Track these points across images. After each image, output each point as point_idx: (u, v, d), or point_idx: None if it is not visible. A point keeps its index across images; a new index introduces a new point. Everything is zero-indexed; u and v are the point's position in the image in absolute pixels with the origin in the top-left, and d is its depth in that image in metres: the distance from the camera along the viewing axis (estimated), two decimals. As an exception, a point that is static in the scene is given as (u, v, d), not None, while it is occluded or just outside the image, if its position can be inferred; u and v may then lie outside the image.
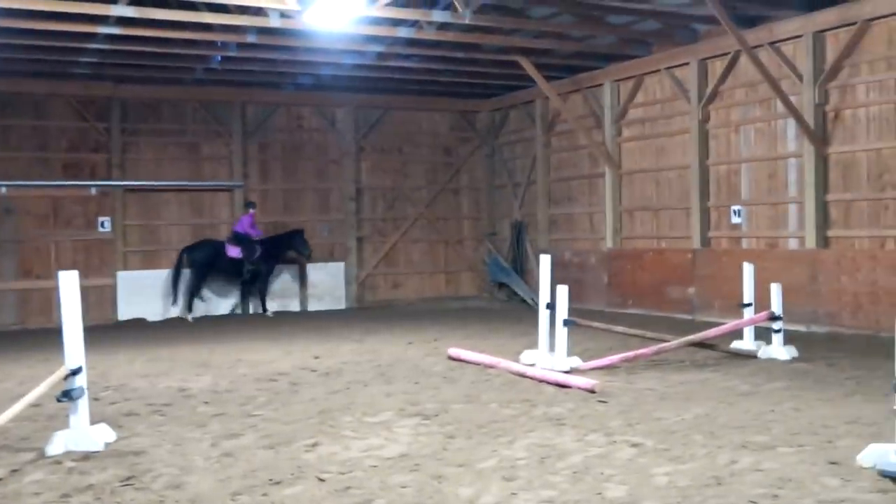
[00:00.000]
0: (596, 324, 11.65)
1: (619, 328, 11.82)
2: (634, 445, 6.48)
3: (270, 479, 5.80)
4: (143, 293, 17.88)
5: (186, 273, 17.84)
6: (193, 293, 17.82)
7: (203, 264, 17.71)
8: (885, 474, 5.47)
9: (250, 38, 14.53)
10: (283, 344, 13.21)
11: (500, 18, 14.48)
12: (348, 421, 7.58)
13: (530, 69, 16.87)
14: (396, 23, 14.30)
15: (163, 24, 13.54)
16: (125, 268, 18.13)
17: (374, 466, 6.07)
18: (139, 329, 16.36)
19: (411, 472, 5.91)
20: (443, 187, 21.68)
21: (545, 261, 10.65)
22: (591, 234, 18.90)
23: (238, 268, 17.93)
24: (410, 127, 21.42)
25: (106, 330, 15.77)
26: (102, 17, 12.85)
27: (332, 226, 20.40)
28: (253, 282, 18.28)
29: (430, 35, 14.61)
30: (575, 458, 6.16)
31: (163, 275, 18.10)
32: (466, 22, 13.97)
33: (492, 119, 22.05)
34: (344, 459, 6.28)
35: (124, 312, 17.74)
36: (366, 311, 19.16)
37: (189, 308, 17.75)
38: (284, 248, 18.41)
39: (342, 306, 19.90)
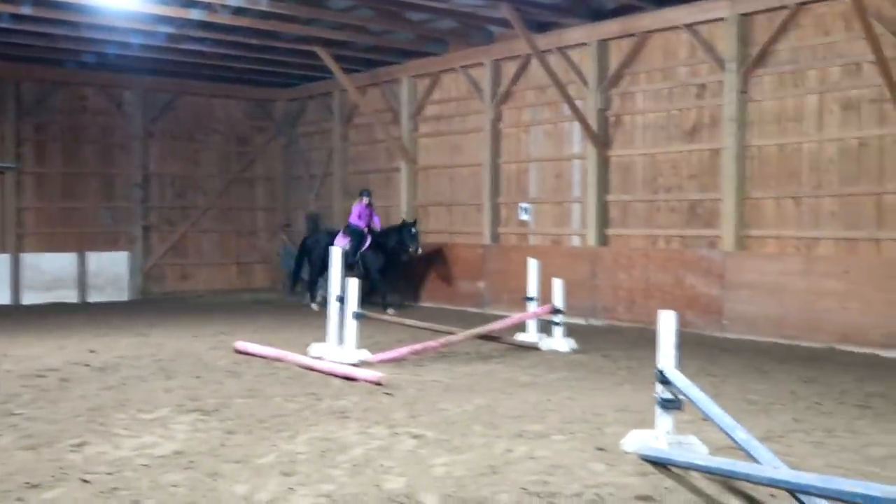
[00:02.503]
0: (386, 316, 11.69)
1: (410, 321, 11.93)
2: (416, 437, 6.52)
3: (27, 483, 5.37)
4: None
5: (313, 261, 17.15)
6: (311, 283, 17.28)
7: (313, 255, 17.04)
8: (645, 458, 5.80)
9: (25, 10, 13.47)
10: (56, 338, 12.35)
11: (298, 7, 14.24)
12: (121, 418, 7.16)
13: (329, 60, 16.72)
14: (188, 4, 13.73)
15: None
16: None
17: (146, 466, 5.76)
18: None
19: (185, 470, 5.65)
20: (237, 177, 21.13)
21: (337, 254, 10.57)
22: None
23: (346, 260, 16.53)
24: (204, 113, 20.70)
25: None
26: None
27: (116, 213, 19.36)
28: (367, 276, 16.46)
29: (224, 19, 14.16)
30: (356, 451, 6.12)
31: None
32: (263, 8, 13.65)
33: (289, 109, 21.69)
34: (113, 459, 5.92)
35: None
36: (151, 304, 18.31)
37: (312, 297, 17.03)
38: (392, 241, 16.51)
39: (125, 298, 18.93)
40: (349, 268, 16.22)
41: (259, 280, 21.39)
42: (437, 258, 17.20)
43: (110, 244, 19.13)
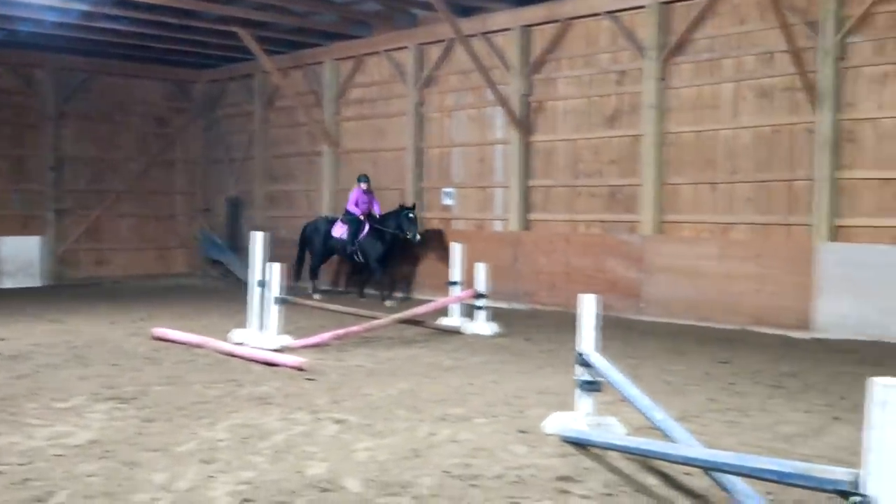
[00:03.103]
0: (309, 301, 11.60)
1: (333, 306, 11.87)
2: (339, 422, 6.50)
3: (-67, 476, 5.17)
4: None
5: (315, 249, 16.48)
6: (312, 271, 16.49)
7: (311, 243, 16.46)
8: (566, 440, 5.89)
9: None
10: (-37, 325, 11.91)
11: (217, -15, 13.95)
12: (33, 408, 6.94)
13: (250, 42, 16.44)
14: (103, -20, 13.32)
15: None
16: None
17: (60, 456, 5.60)
18: None
19: (101, 459, 5.52)
20: (155, 160, 20.64)
21: (258, 238, 10.42)
22: (310, 212, 18.80)
23: (343, 248, 15.85)
24: (120, 94, 20.15)
25: None
26: None
27: (28, 196, 18.73)
28: (367, 265, 15.71)
29: (140, -4, 13.78)
30: (278, 437, 6.06)
31: None
32: (181, -14, 13.33)
33: (209, 91, 21.27)
34: (24, 449, 5.74)
35: None
36: (66, 290, 17.78)
37: (314, 288, 16.15)
38: (390, 227, 15.30)
39: (38, 284, 18.36)
40: (348, 257, 15.97)
41: (178, 265, 20.98)
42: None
43: (21, 228, 18.50)
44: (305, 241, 16.59)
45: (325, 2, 15.60)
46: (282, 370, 8.60)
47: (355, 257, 15.64)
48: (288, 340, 9.92)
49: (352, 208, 15.61)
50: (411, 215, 15.09)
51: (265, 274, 10.05)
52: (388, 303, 14.76)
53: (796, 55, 11.19)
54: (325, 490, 4.91)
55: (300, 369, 8.51)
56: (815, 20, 11.44)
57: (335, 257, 16.71)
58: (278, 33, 17.05)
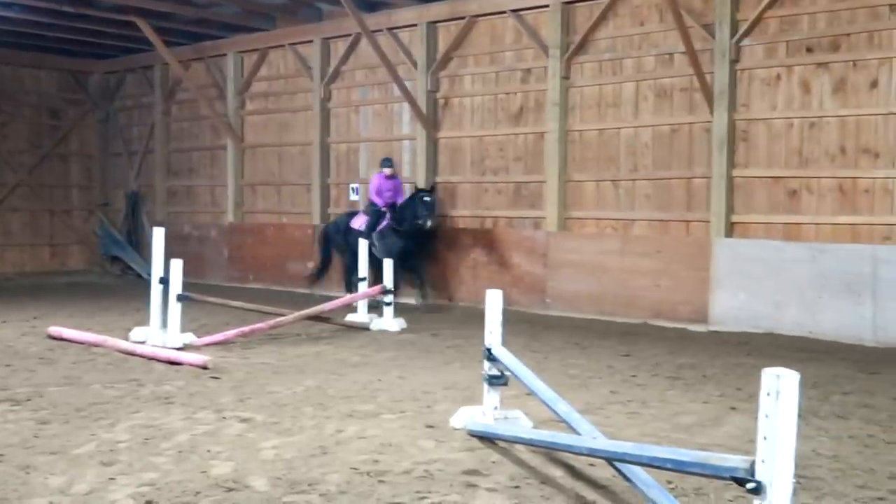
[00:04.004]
0: (212, 298, 11.38)
1: (237, 303, 11.66)
2: (244, 421, 6.41)
3: None
4: None
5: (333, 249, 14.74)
6: (346, 279, 14.27)
7: (333, 242, 14.54)
8: (473, 433, 5.95)
9: None
10: None
11: (115, -27, 13.54)
12: (-82, 412, 6.63)
13: (149, 32, 15.99)
14: (-8, -36, 12.77)
15: None
16: None
17: (-52, 461, 5.37)
18: None
19: (-7, 464, 5.31)
20: (49, 152, 19.90)
21: (158, 234, 10.17)
22: (213, 207, 18.50)
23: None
24: (11, 84, 19.39)
25: None
26: None
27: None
28: (406, 261, 13.55)
29: (33, -17, 13.26)
30: (181, 437, 5.94)
31: None
32: (76, -27, 12.88)
33: (106, 82, 20.63)
34: None
35: None
36: (-47, 288, 17.00)
37: (347, 288, 14.13)
38: (408, 216, 13.51)
39: (-79, 282, 17.52)
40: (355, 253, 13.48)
41: (75, 262, 20.29)
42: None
43: None
44: (328, 241, 14.69)
45: (229, -7, 15.32)
46: (185, 369, 8.42)
47: (374, 252, 13.41)
48: (191, 338, 9.73)
49: (374, 198, 13.88)
50: (427, 198, 13.42)
51: (166, 270, 9.82)
52: (420, 303, 13.48)
53: (693, 57, 11.54)
54: (230, 490, 4.84)
55: (204, 367, 8.35)
56: (711, 23, 11.82)
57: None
58: (179, 24, 16.64)
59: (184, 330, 9.79)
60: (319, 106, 16.35)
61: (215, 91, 18.14)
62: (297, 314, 10.90)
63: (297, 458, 5.46)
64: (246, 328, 10.17)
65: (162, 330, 9.81)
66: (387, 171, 13.90)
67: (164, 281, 9.83)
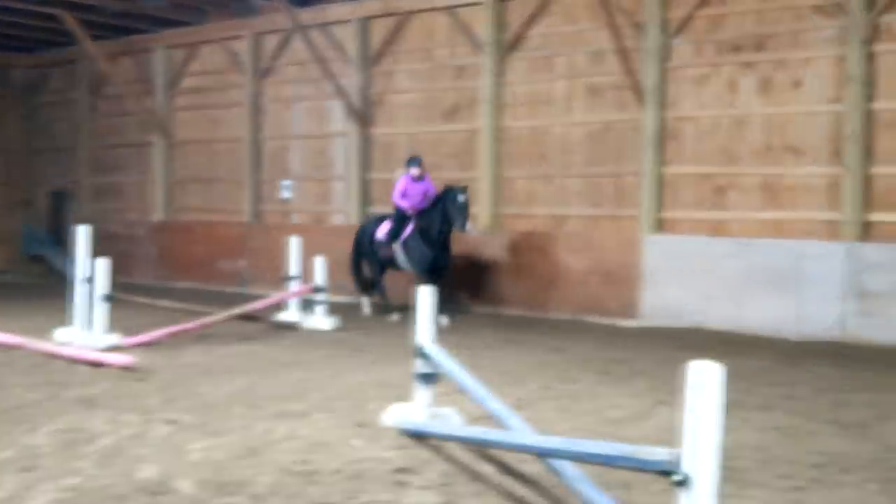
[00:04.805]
0: (139, 298, 11.15)
1: (165, 302, 11.45)
2: (171, 422, 6.27)
3: None
4: None
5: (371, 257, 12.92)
6: (374, 282, 12.90)
7: (361, 247, 12.89)
8: (405, 431, 5.92)
9: None
10: None
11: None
12: None
13: (73, 25, 15.59)
14: None
15: None
16: None
17: None
18: None
19: None
20: (-32, 148, 19.26)
21: (84, 232, 9.91)
22: (141, 204, 18.12)
23: (380, 252, 12.50)
24: (-73, 77, 18.68)
25: None
26: None
27: None
28: (438, 275, 11.79)
29: (-51, -28, 12.80)
30: (105, 440, 5.78)
31: None
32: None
33: (29, 76, 20.03)
34: None
35: None
36: None
37: (371, 304, 12.80)
38: (437, 221, 11.72)
39: None
40: (387, 262, 12.47)
41: (-4, 261, 19.70)
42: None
43: None
44: (357, 245, 13.05)
45: (156, -14, 15.02)
46: (110, 370, 8.20)
47: (398, 264, 12.30)
48: (117, 339, 9.49)
49: (398, 201, 12.14)
50: (460, 198, 11.53)
51: (91, 270, 9.57)
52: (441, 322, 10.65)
53: (623, 55, 11.69)
54: (155, 493, 4.73)
55: (130, 369, 8.15)
56: (641, 22, 11.99)
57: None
58: (105, 17, 16.23)
59: (110, 330, 9.55)
60: (251, 102, 16.15)
61: (143, 86, 17.77)
62: (227, 313, 10.74)
63: (226, 459, 5.36)
64: (174, 328, 9.97)
65: (87, 331, 9.56)
66: (414, 171, 12.01)
67: (90, 280, 9.57)
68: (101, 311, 9.47)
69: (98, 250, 10.03)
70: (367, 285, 12.96)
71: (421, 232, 11.83)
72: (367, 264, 12.90)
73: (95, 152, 18.88)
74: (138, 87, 17.76)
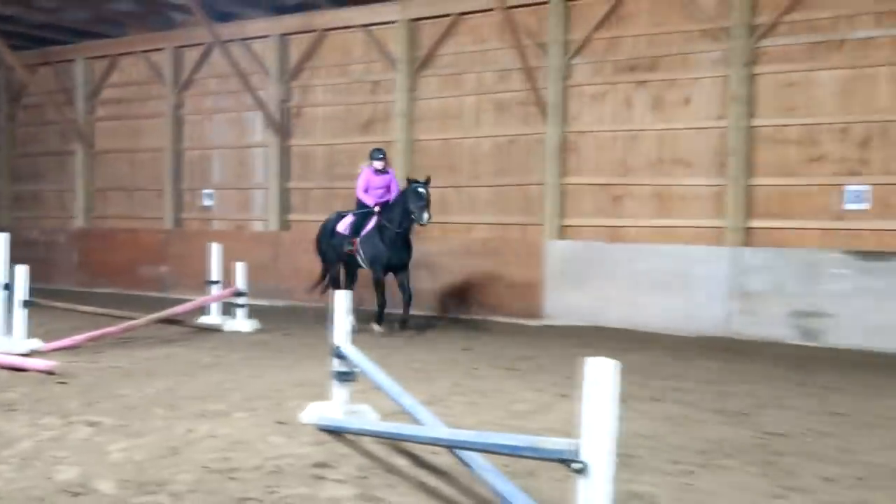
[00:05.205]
0: (60, 304, 10.74)
1: (86, 308, 11.03)
2: (92, 425, 6.05)
3: None
4: None
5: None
6: (331, 283, 11.61)
7: (319, 245, 11.80)
8: (322, 428, 5.86)
9: None
10: None
11: (-46, -26, 12.59)
12: None
13: (-8, 35, 14.97)
14: None
15: None
16: None
17: None
18: None
19: None
20: None
21: (2, 239, 9.50)
22: (61, 212, 17.51)
23: (339, 250, 11.39)
24: None
25: None
26: None
27: None
28: (397, 270, 10.91)
29: None
30: (24, 444, 5.54)
31: None
32: (-89, -28, 11.89)
33: (-53, 84, 19.13)
34: None
35: None
36: None
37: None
38: (397, 216, 10.69)
39: None
40: (347, 260, 11.37)
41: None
42: None
43: None
44: (317, 247, 12.03)
45: (77, -1, 14.54)
46: (30, 375, 7.87)
47: (359, 261, 11.20)
48: (38, 344, 9.13)
49: (361, 195, 11.14)
50: (421, 189, 10.52)
51: (11, 276, 9.19)
52: (405, 330, 10.71)
53: (528, 73, 11.86)
54: (76, 494, 4.56)
55: (50, 373, 7.84)
56: (545, 42, 12.18)
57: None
58: (25, 28, 15.64)
59: (30, 336, 9.18)
60: (172, 113, 15.78)
61: (64, 96, 17.18)
62: (148, 317, 10.44)
63: (147, 459, 5.21)
64: (96, 332, 9.64)
65: (6, 336, 9.17)
66: (377, 163, 11.09)
67: (8, 287, 9.19)
68: (21, 316, 9.10)
69: (17, 257, 9.63)
70: (330, 285, 11.63)
71: (380, 229, 10.79)
72: (329, 262, 11.72)
73: (15, 161, 18.15)
74: (59, 97, 17.16)
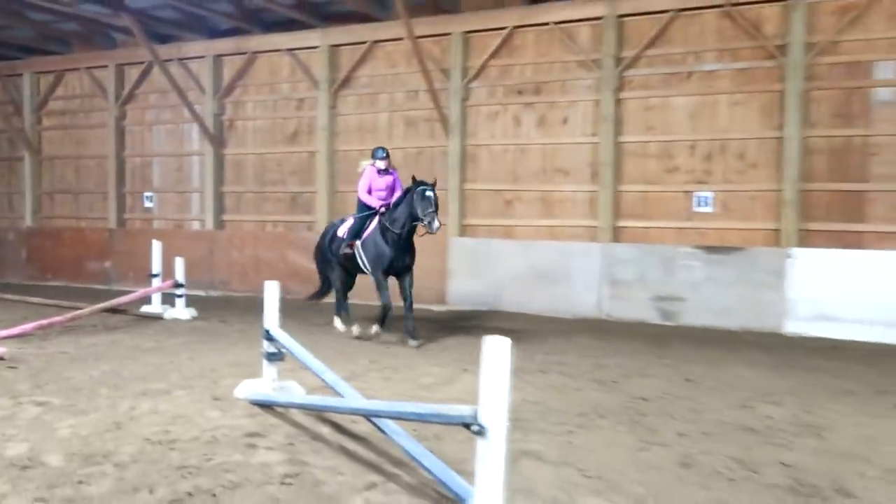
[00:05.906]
0: (9, 295, 10.17)
1: (34, 299, 10.49)
2: (41, 405, 5.76)
3: None
4: None
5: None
6: (325, 288, 9.98)
7: (319, 254, 9.92)
8: (254, 403, 5.74)
9: None
10: None
11: None
12: None
13: (-57, 49, 14.03)
14: None
15: None
16: None
17: None
18: None
19: None
20: None
21: None
22: (10, 213, 16.58)
23: (333, 253, 9.54)
24: None
25: None
26: None
27: None
28: (400, 275, 9.04)
29: None
30: (-24, 423, 5.24)
31: None
32: None
33: None
34: None
35: None
36: None
37: (338, 313, 9.63)
38: (402, 218, 8.71)
39: None
40: (347, 265, 9.42)
41: None
42: None
43: None
44: (318, 248, 10.13)
45: (24, 18, 13.74)
46: (-19, 361, 7.44)
47: (359, 264, 9.24)
48: (-12, 332, 8.61)
49: (364, 197, 9.17)
50: (429, 193, 8.53)
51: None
52: (412, 342, 8.65)
53: (433, 94, 11.87)
54: (25, 468, 4.34)
55: (1, 359, 7.43)
56: (447, 68, 12.22)
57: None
58: (-26, 44, 14.74)
59: (-19, 325, 8.68)
60: (115, 124, 15.13)
61: (12, 107, 16.25)
62: (94, 307, 10.00)
63: (93, 434, 4.99)
64: (44, 321, 9.17)
65: (-42, 325, 8.62)
66: (380, 163, 9.12)
67: (-40, 280, 8.63)
68: (-27, 307, 8.57)
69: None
70: (324, 292, 10.22)
71: (382, 230, 8.88)
72: (328, 269, 9.80)
73: (-34, 165, 17.07)
74: (7, 108, 16.22)
